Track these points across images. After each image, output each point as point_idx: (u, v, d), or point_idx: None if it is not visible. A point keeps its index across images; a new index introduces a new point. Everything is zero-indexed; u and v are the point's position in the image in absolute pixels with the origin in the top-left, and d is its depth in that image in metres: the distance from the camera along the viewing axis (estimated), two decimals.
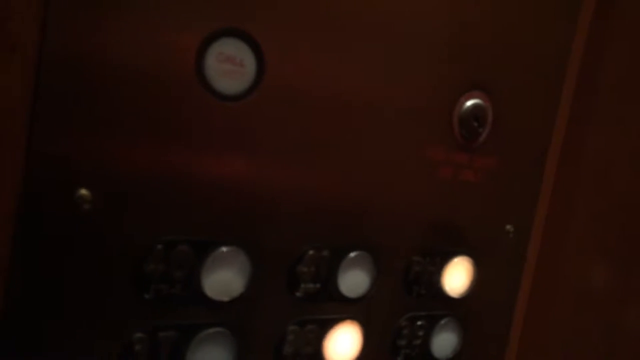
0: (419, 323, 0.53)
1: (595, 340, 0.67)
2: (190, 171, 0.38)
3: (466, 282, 0.55)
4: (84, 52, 0.33)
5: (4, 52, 0.31)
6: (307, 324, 0.46)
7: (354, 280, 0.48)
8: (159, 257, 0.38)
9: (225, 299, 0.41)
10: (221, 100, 0.38)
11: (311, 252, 0.45)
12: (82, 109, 0.34)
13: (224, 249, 0.41)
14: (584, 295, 0.62)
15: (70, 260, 0.35)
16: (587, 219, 0.62)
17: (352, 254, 0.48)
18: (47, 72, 0.33)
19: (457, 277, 0.55)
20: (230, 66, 0.37)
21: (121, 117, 0.35)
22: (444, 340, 0.55)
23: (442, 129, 0.51)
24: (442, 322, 0.55)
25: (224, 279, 0.41)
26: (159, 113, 0.36)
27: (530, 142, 0.57)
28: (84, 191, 0.35)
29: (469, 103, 0.51)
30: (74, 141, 0.34)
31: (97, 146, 0.35)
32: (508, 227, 0.57)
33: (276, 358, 0.45)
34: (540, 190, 0.60)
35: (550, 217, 0.62)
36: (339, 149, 0.45)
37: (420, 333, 0.53)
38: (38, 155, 0.33)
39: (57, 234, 0.35)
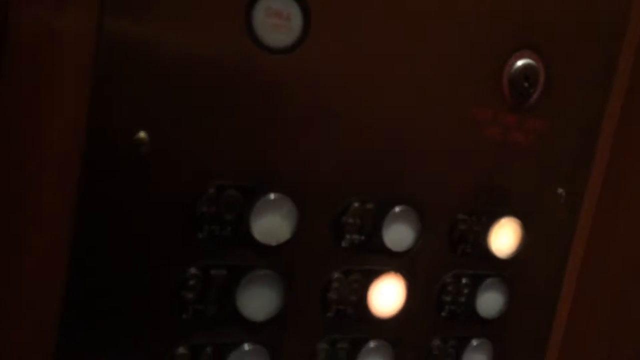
0: (464, 281, 0.54)
1: None
2: (239, 119, 0.41)
3: (513, 243, 0.56)
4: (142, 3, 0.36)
5: None
6: (351, 273, 0.48)
7: (398, 235, 0.50)
8: (211, 199, 0.41)
9: (273, 243, 0.44)
10: (269, 54, 0.41)
11: (356, 204, 0.47)
12: (141, 55, 0.37)
13: (272, 195, 0.43)
14: (637, 261, 0.61)
15: (130, 200, 0.39)
16: None
17: (397, 209, 0.49)
18: (110, 14, 0.36)
19: (504, 238, 0.55)
20: (277, 20, 0.39)
21: (176, 65, 0.38)
22: (490, 300, 0.56)
23: (492, 88, 0.51)
24: (488, 281, 0.55)
25: (272, 224, 0.44)
26: (210, 63, 0.39)
27: (584, 105, 0.56)
28: (142, 134, 0.38)
29: (520, 63, 0.51)
30: (134, 85, 0.37)
31: (156, 91, 0.38)
32: (560, 190, 0.57)
33: (322, 303, 0.47)
34: (594, 155, 0.59)
35: (606, 182, 0.61)
36: (385, 105, 0.46)
37: (465, 291, 0.54)
38: (100, 97, 0.37)
39: (117, 175, 0.38)
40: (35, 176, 0.36)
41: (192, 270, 0.42)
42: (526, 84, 0.52)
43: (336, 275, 0.48)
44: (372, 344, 0.51)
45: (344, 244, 0.47)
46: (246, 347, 0.45)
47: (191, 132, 0.39)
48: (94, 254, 0.39)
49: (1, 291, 0.37)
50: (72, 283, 0.38)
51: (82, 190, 0.37)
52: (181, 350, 0.42)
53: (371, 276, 0.49)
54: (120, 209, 0.39)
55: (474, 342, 0.56)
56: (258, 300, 0.45)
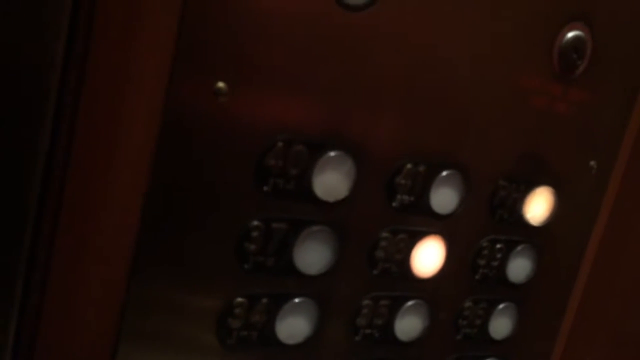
0: (498, 246, 0.56)
1: None
2: (313, 76, 0.41)
3: (546, 212, 0.57)
4: None
5: None
6: (399, 233, 0.49)
7: (444, 198, 0.51)
8: (279, 153, 0.41)
9: (331, 200, 0.45)
10: (345, 10, 0.41)
11: (409, 165, 0.48)
12: (226, 6, 0.37)
13: (333, 152, 0.44)
14: None
15: (204, 149, 0.39)
16: None
17: (445, 172, 0.50)
18: None
19: (538, 206, 0.57)
20: None
21: (258, 18, 0.38)
22: (519, 266, 0.58)
23: (541, 58, 0.52)
24: (519, 248, 0.57)
25: (332, 181, 0.44)
26: (291, 18, 0.39)
27: (625, 80, 0.57)
28: (221, 84, 0.38)
29: (570, 34, 0.52)
30: (215, 37, 0.37)
31: (236, 42, 0.38)
32: (592, 162, 0.59)
33: (368, 260, 0.48)
34: (626, 130, 0.60)
35: (632, 159, 0.62)
36: (443, 72, 0.47)
37: (499, 256, 0.56)
38: (183, 48, 0.36)
39: (196, 124, 0.38)
40: (117, 121, 0.36)
41: (255, 222, 0.42)
42: (575, 56, 0.53)
43: (385, 234, 0.49)
44: (410, 303, 0.52)
45: (394, 204, 0.48)
46: (297, 299, 0.46)
47: (267, 86, 0.39)
48: (167, 200, 0.39)
49: (80, 228, 0.37)
50: (144, 228, 0.38)
51: (161, 136, 0.37)
52: (239, 299, 0.43)
53: (416, 237, 0.50)
54: (195, 156, 0.39)
55: (501, 306, 0.58)
56: (312, 255, 0.45)
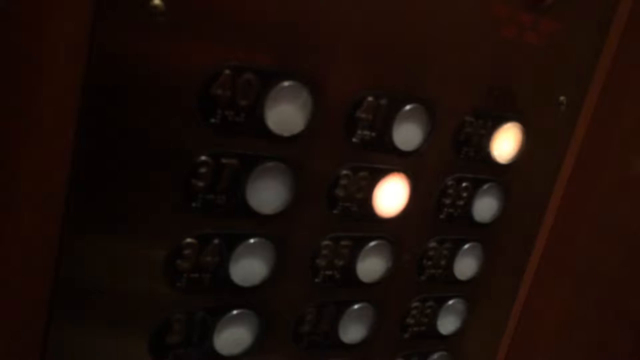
0: (464, 185, 0.54)
1: (635, 227, 0.68)
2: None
3: (514, 149, 0.55)
4: None
5: None
6: (359, 171, 0.47)
7: (407, 133, 0.48)
8: (226, 82, 0.38)
9: (286, 134, 0.42)
10: None
11: (370, 98, 0.45)
12: None
13: (287, 83, 0.41)
14: (624, 183, 0.62)
15: (142, 72, 0.35)
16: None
17: (408, 106, 0.47)
18: None
19: (505, 143, 0.55)
20: None
21: None
22: (485, 205, 0.56)
23: None
24: (486, 186, 0.55)
25: (287, 114, 0.41)
26: None
27: (598, 10, 0.54)
28: (157, 1, 0.34)
29: None
30: None
31: None
32: (561, 98, 0.57)
33: (328, 198, 0.46)
34: (598, 64, 0.58)
35: (602, 93, 0.60)
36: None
37: (464, 194, 0.54)
38: None
39: (131, 44, 0.35)
40: (45, 46, 0.32)
41: (203, 157, 0.39)
42: None
43: (345, 171, 0.46)
44: (372, 243, 0.50)
45: (354, 139, 0.46)
46: (252, 240, 0.44)
47: (213, 6, 0.36)
48: (103, 131, 0.36)
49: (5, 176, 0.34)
50: (80, 166, 0.35)
51: (92, 59, 0.33)
52: (189, 240, 0.41)
53: (378, 175, 0.48)
54: (132, 84, 0.35)
55: (466, 246, 0.57)
56: (267, 193, 0.43)
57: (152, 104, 0.36)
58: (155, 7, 0.34)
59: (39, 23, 0.32)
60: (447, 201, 0.53)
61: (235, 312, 0.45)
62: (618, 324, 0.73)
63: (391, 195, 0.50)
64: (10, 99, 0.33)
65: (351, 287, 0.51)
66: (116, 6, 0.34)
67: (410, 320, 0.56)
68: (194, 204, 0.40)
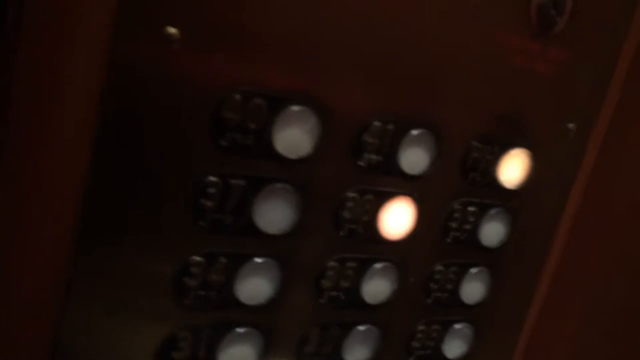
0: (470, 209, 0.54)
1: None
2: (271, 25, 0.39)
3: (521, 174, 0.56)
4: None
5: None
6: (366, 193, 0.48)
7: (414, 158, 0.49)
8: (236, 105, 0.39)
9: (293, 157, 0.43)
10: None
11: (377, 123, 0.46)
12: None
13: (296, 107, 0.42)
14: (634, 210, 0.62)
15: (156, 95, 0.37)
16: None
17: (415, 131, 0.48)
18: None
19: (513, 168, 0.55)
20: None
21: None
22: (493, 230, 0.57)
23: (519, 14, 0.49)
24: (493, 211, 0.56)
25: (294, 137, 0.42)
26: None
27: (606, 38, 0.55)
28: (172, 29, 0.35)
29: None
30: None
31: None
32: (570, 125, 0.57)
33: (334, 221, 0.47)
34: (607, 93, 0.58)
35: (613, 122, 0.61)
36: (413, 27, 0.44)
37: (471, 219, 0.55)
38: None
39: (146, 70, 0.36)
40: (61, 71, 0.34)
41: (212, 178, 0.40)
42: (553, 12, 0.51)
43: (351, 194, 0.47)
44: (378, 265, 0.51)
45: (361, 163, 0.47)
46: (258, 259, 0.45)
47: (224, 32, 0.37)
48: (116, 153, 0.37)
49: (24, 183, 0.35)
50: (93, 184, 0.37)
51: (108, 84, 0.35)
52: (196, 258, 0.42)
53: (384, 198, 0.49)
54: (146, 106, 0.37)
55: (473, 270, 0.57)
56: (274, 214, 0.44)
57: (164, 125, 0.38)
58: (171, 34, 0.35)
59: (60, 45, 0.34)
60: (454, 225, 0.54)
61: (240, 330, 0.45)
62: (630, 357, 0.72)
63: (397, 218, 0.50)
64: (27, 120, 0.34)
65: (356, 308, 0.51)
66: (135, 32, 0.35)
67: (415, 344, 0.56)
68: (202, 223, 0.41)
